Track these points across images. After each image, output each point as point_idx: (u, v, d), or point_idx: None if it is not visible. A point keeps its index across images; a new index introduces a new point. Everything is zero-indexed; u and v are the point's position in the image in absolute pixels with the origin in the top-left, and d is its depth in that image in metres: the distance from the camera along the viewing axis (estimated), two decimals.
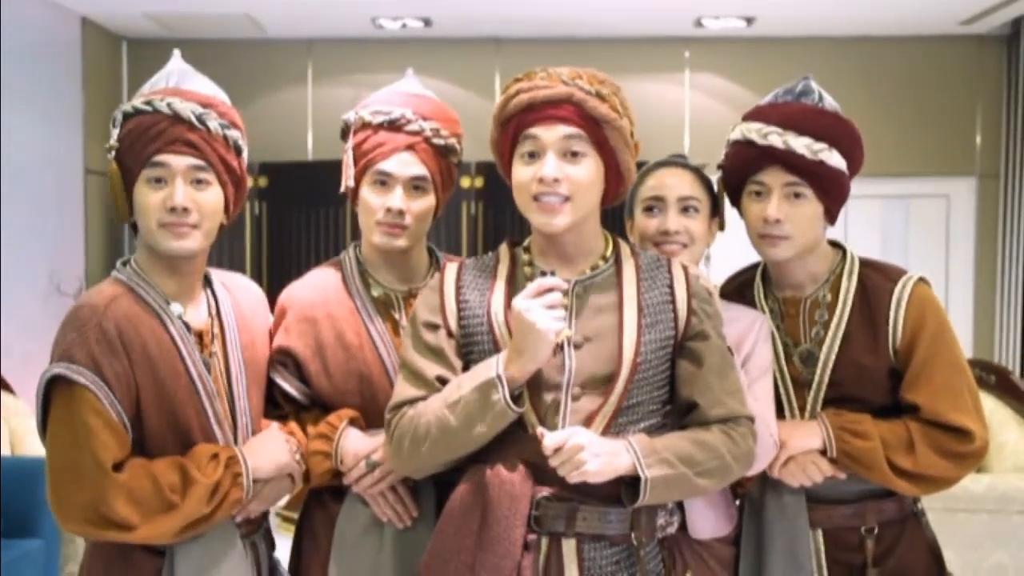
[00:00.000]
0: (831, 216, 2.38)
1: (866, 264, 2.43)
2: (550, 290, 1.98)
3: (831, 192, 2.33)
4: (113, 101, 6.83)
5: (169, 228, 2.10)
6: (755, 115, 2.38)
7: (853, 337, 2.34)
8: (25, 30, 5.73)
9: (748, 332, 2.35)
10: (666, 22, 6.65)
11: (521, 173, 2.08)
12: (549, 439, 1.94)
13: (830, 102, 2.38)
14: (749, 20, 6.56)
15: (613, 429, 2.02)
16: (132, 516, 1.99)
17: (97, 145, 6.38)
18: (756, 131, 2.33)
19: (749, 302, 2.47)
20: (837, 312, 2.36)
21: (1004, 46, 6.83)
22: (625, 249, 2.17)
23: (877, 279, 2.38)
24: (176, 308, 2.15)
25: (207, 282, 2.28)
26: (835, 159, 2.31)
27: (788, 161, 2.29)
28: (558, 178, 2.02)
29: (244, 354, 2.26)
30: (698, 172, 2.47)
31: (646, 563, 2.06)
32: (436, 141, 2.36)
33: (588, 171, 2.05)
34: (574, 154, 2.04)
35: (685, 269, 2.15)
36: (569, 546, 2.02)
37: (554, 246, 2.11)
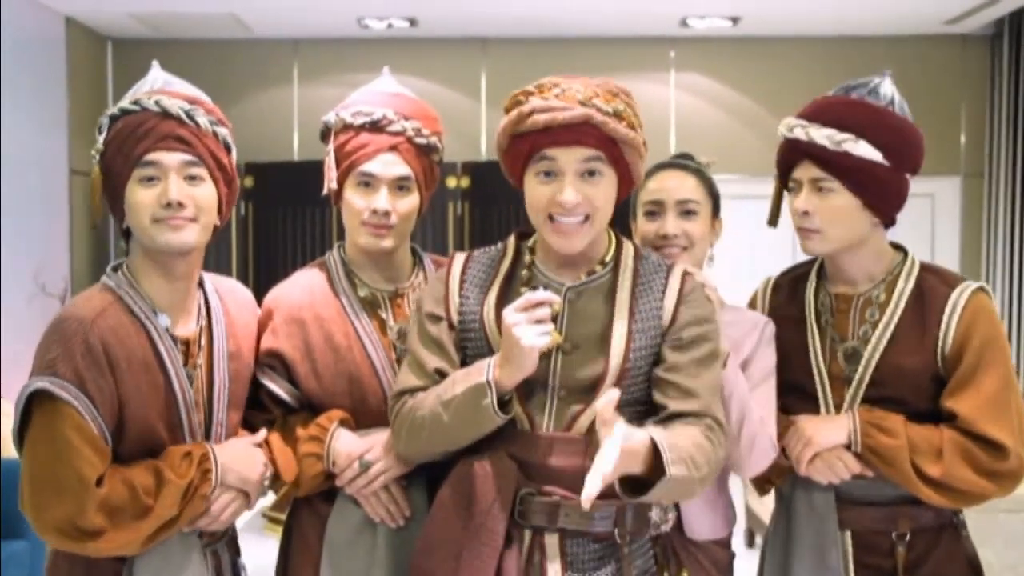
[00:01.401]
0: (879, 212, 2.30)
1: (927, 268, 2.37)
2: (541, 304, 1.97)
3: (864, 185, 2.25)
4: (98, 101, 6.81)
5: (164, 222, 2.08)
6: (799, 111, 2.34)
7: (900, 338, 2.29)
8: (8, 30, 5.70)
9: (748, 336, 2.34)
10: (652, 22, 6.66)
11: (537, 192, 2.06)
12: (589, 489, 1.76)
13: (886, 94, 2.30)
14: (734, 20, 6.57)
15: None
16: (105, 525, 1.98)
17: (82, 145, 6.36)
18: (786, 126, 2.31)
19: (801, 296, 2.43)
20: (888, 311, 2.31)
21: (988, 45, 6.87)
22: (627, 252, 2.15)
23: (935, 283, 2.31)
24: (163, 320, 2.13)
25: (200, 287, 2.26)
26: (861, 149, 2.23)
27: (812, 154, 2.26)
28: (579, 202, 2.02)
29: (230, 365, 2.24)
30: (700, 173, 2.45)
31: (633, 559, 2.07)
32: (418, 140, 2.35)
33: (606, 190, 2.05)
34: (591, 173, 2.03)
35: (684, 277, 2.13)
36: (552, 540, 2.04)
37: (559, 252, 2.10)
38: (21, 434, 2.05)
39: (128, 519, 2.00)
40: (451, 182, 6.49)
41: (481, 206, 6.56)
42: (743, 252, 5.66)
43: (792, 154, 2.30)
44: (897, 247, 2.41)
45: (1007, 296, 6.54)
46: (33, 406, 2.02)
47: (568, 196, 2.01)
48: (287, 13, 6.45)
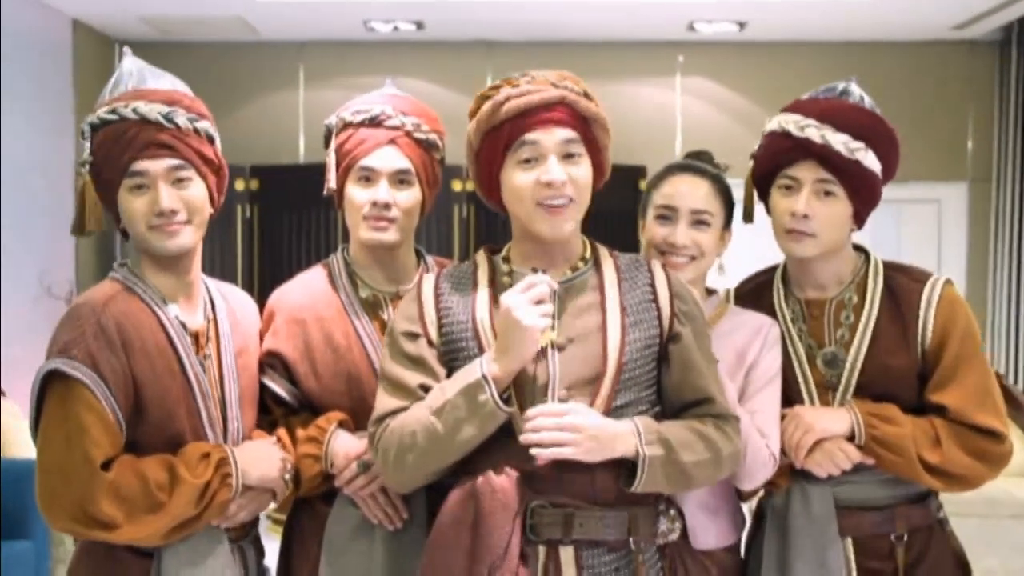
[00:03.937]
0: (859, 220, 2.35)
1: (890, 266, 2.40)
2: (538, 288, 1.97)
3: (862, 194, 2.30)
4: None
5: (160, 229, 2.11)
6: (794, 108, 2.34)
7: (881, 338, 2.31)
8: (16, 32, 5.71)
9: (754, 339, 2.32)
10: (659, 26, 6.66)
11: (521, 179, 2.03)
12: (538, 410, 1.95)
13: (870, 104, 2.35)
14: (742, 24, 6.57)
15: None
16: (118, 515, 1.99)
17: None
18: (794, 123, 2.29)
19: (768, 304, 2.41)
20: (864, 313, 2.33)
21: (996, 51, 6.85)
22: (603, 251, 2.16)
23: (904, 280, 2.35)
24: (173, 309, 2.15)
25: (204, 287, 2.28)
26: (870, 160, 2.28)
27: (823, 156, 2.26)
28: (566, 180, 2.01)
29: (237, 360, 2.25)
30: (717, 180, 2.40)
31: (646, 570, 2.03)
32: (418, 135, 2.36)
33: (586, 171, 2.05)
34: (572, 155, 2.03)
35: (665, 269, 2.15)
36: (567, 553, 1.98)
37: (540, 252, 2.08)
38: (37, 423, 2.06)
39: (141, 512, 2.01)
40: (456, 185, 6.48)
41: (486, 209, 6.48)
42: (748, 257, 5.65)
43: (795, 152, 2.29)
44: (857, 247, 2.43)
45: (1014, 301, 6.51)
46: (47, 390, 2.04)
47: (556, 173, 2.00)
48: (293, 16, 6.45)
